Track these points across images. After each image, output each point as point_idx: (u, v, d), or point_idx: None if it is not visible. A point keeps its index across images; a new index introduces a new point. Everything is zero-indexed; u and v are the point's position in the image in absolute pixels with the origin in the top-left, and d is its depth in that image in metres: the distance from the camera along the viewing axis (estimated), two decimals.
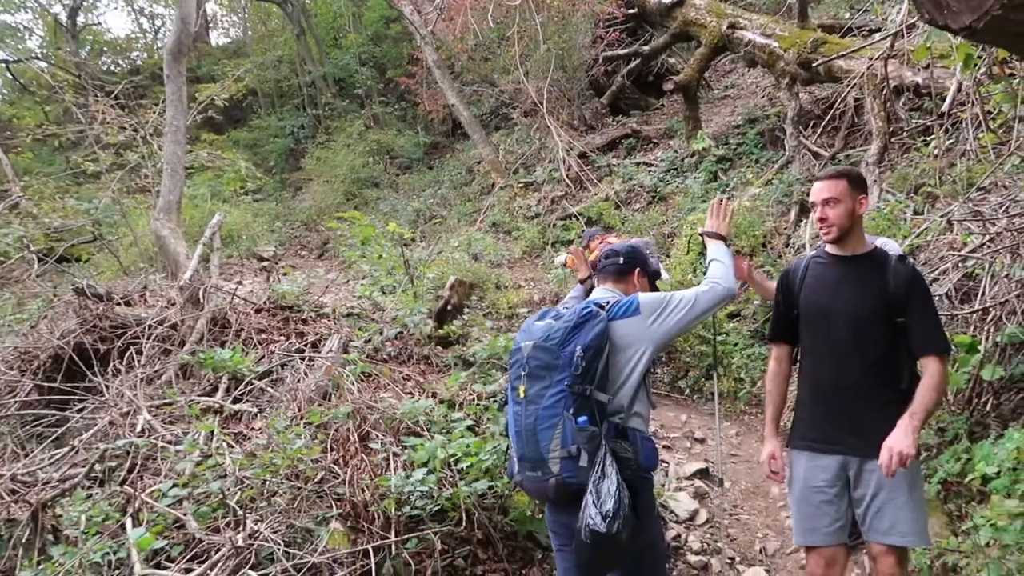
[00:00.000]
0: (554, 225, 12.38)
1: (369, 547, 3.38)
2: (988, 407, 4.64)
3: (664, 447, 5.79)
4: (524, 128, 15.39)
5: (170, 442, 4.39)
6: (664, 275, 3.01)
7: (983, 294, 5.05)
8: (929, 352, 2.72)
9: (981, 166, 5.76)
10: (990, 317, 4.90)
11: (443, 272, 9.38)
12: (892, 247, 4.10)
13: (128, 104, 13.44)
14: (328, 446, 4.16)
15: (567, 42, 14.00)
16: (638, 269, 3.04)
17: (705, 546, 4.51)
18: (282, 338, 6.08)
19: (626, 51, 14.39)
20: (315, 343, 5.96)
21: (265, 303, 6.60)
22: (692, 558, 4.27)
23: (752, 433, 6.20)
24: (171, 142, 8.40)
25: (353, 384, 4.99)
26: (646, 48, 14.07)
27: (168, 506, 3.62)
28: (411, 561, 3.51)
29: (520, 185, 14.12)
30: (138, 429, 4.55)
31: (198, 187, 15.98)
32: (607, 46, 14.24)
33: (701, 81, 12.93)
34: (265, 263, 12.23)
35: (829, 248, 2.98)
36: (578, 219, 12.00)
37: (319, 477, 3.86)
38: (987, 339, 4.77)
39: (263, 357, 5.69)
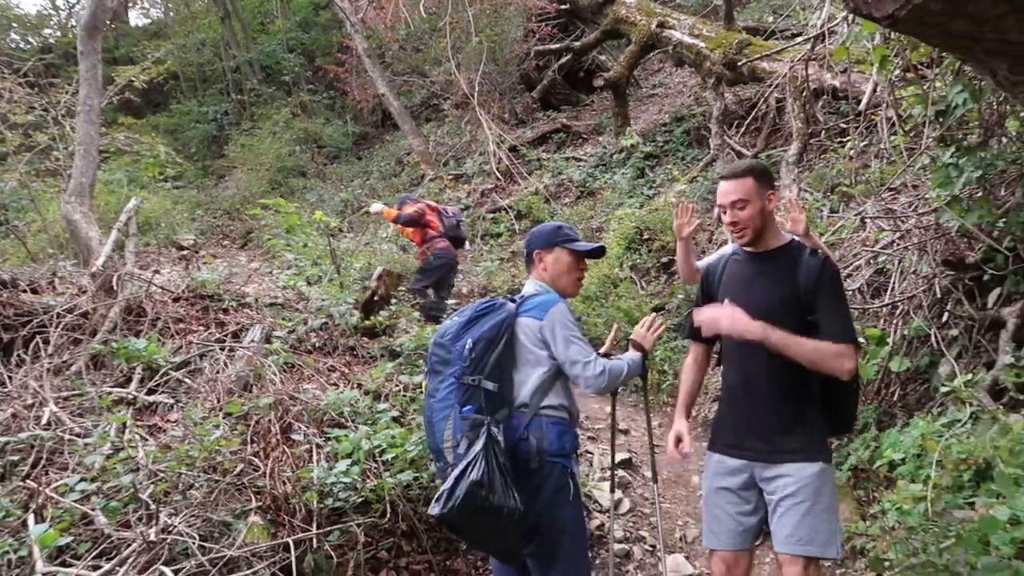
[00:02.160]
0: (484, 218, 12.37)
1: (290, 540, 3.29)
2: (895, 397, 4.85)
3: (589, 438, 5.85)
4: (455, 120, 15.32)
5: (79, 435, 4.18)
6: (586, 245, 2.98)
7: (892, 289, 5.27)
8: (838, 338, 2.58)
9: (893, 167, 6.01)
10: (898, 311, 5.13)
11: (370, 263, 9.26)
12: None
13: (38, 83, 12.74)
14: (248, 438, 4.04)
15: (499, 35, 13.99)
16: (536, 251, 3.01)
17: (628, 535, 4.58)
18: (201, 328, 5.87)
19: (558, 46, 14.49)
20: (236, 333, 5.78)
21: (184, 292, 6.36)
22: (616, 546, 4.32)
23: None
24: (84, 122, 8.00)
25: (275, 375, 4.86)
26: (577, 44, 14.18)
27: (75, 501, 3.45)
28: (333, 554, 3.44)
29: (450, 177, 14.06)
30: (43, 421, 4.32)
31: (114, 172, 15.34)
32: (539, 40, 14.30)
33: (630, 78, 13.12)
34: (185, 252, 11.82)
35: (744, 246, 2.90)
36: (508, 212, 12.02)
37: (238, 470, 3.74)
38: (895, 332, 4.99)
39: (181, 347, 5.48)
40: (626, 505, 4.93)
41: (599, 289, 8.33)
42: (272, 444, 4.04)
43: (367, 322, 6.29)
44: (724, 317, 2.57)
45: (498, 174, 12.93)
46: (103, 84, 9.08)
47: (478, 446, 2.55)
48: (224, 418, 4.17)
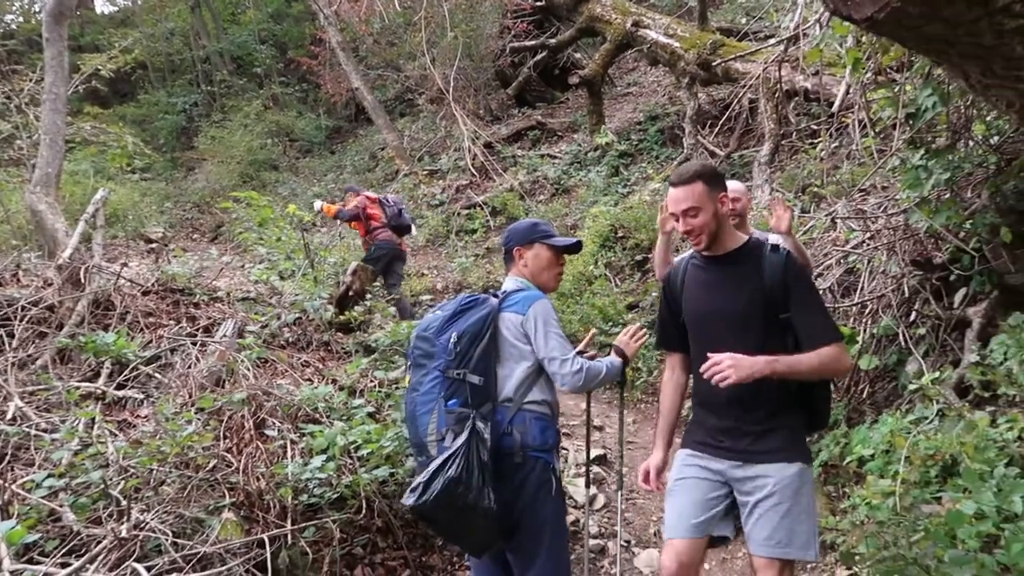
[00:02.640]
0: (459, 214, 12.34)
1: (264, 537, 3.26)
2: (865, 395, 4.94)
3: (564, 434, 5.87)
4: (430, 115, 15.26)
5: (45, 430, 4.10)
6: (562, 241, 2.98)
7: (862, 289, 5.37)
8: (826, 341, 2.50)
9: (864, 168, 6.11)
10: (868, 310, 5.22)
11: (345, 258, 9.20)
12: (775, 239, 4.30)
13: (0, 70, 12.45)
14: (221, 433, 4.00)
15: (475, 31, 13.95)
16: (515, 248, 3.00)
17: (602, 530, 4.61)
18: (172, 322, 5.79)
19: (533, 43, 14.49)
20: (208, 328, 5.71)
21: (153, 285, 6.26)
22: (590, 542, 4.34)
23: (648, 421, 6.37)
24: (50, 111, 7.82)
25: (248, 370, 4.81)
26: (553, 41, 14.20)
27: (43, 498, 3.38)
28: (308, 550, 3.42)
29: (425, 173, 14.01)
30: (8, 416, 4.23)
31: (80, 162, 15.01)
32: (514, 37, 14.30)
33: (605, 77, 13.17)
34: (154, 245, 11.64)
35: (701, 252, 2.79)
36: (483, 208, 12.01)
37: (211, 465, 3.71)
38: (865, 331, 5.07)
39: (151, 342, 5.40)
40: (600, 501, 4.96)
41: (574, 286, 8.36)
42: (245, 440, 4.00)
43: (341, 317, 6.25)
44: (728, 369, 2.39)
45: (473, 170, 12.91)
46: (69, 72, 8.89)
47: (461, 440, 2.55)
48: (196, 413, 4.12)
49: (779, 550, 2.46)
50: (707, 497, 2.64)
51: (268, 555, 3.18)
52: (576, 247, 3.09)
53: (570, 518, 4.55)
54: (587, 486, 3.74)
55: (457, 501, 2.51)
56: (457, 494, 2.50)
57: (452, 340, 2.70)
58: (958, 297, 4.58)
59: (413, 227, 8.85)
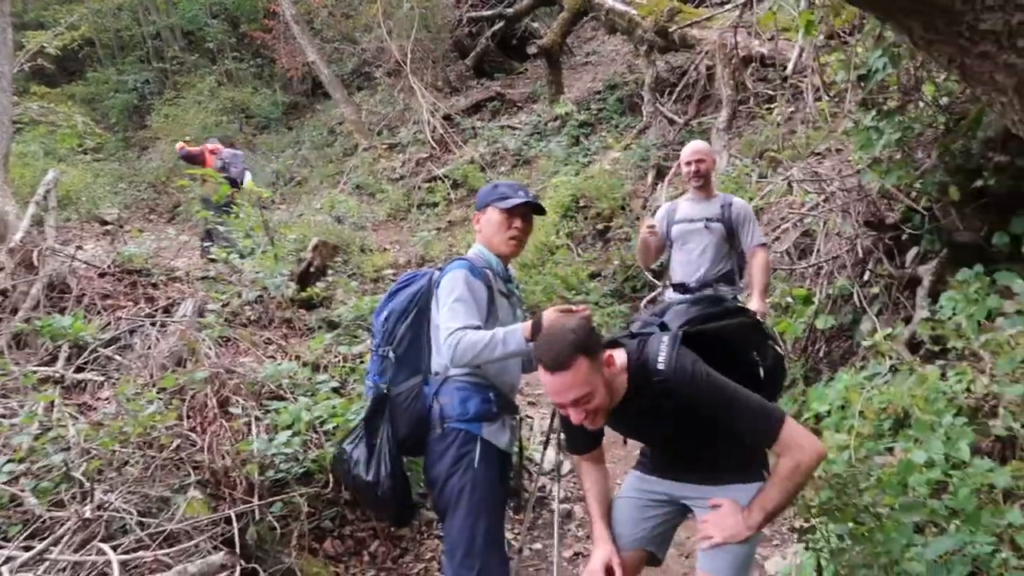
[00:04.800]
0: (419, 187, 12.27)
1: (232, 513, 3.26)
2: (821, 353, 5.07)
3: (529, 403, 5.93)
4: (387, 89, 15.09)
5: (3, 416, 4.03)
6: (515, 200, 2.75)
7: (818, 251, 5.48)
8: (770, 445, 2.14)
9: (818, 132, 6.21)
10: (824, 271, 5.34)
11: (305, 235, 9.11)
12: (738, 204, 4.36)
13: None
14: (184, 413, 3.97)
15: (431, 1, 13.77)
16: (476, 215, 2.90)
17: (569, 495, 4.69)
18: (130, 303, 5.70)
19: (490, 12, 14.36)
20: (167, 308, 5.63)
21: (110, 267, 6.15)
22: (560, 506, 4.42)
23: None
24: None
25: (210, 349, 4.77)
26: (510, 10, 14.09)
27: (3, 483, 3.34)
28: (276, 525, 3.43)
29: (384, 147, 13.87)
30: None
31: (28, 143, 14.58)
32: (471, 6, 14.15)
33: (564, 46, 13.12)
34: (108, 227, 11.39)
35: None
36: (443, 181, 11.94)
37: (175, 445, 3.68)
38: (821, 291, 5.19)
39: (109, 324, 5.31)
40: (567, 467, 5.03)
41: (536, 256, 8.39)
42: (209, 418, 3.97)
43: (303, 294, 6.21)
44: (712, 528, 2.21)
45: (433, 143, 12.83)
46: (13, 50, 8.61)
47: (361, 416, 2.68)
48: (158, 393, 4.08)
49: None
50: (650, 515, 2.44)
51: (236, 531, 3.19)
52: (530, 208, 2.83)
53: (539, 484, 4.63)
54: (543, 454, 3.78)
55: (353, 480, 2.68)
56: (351, 474, 2.67)
57: (383, 319, 2.75)
58: (909, 256, 4.70)
59: (246, 180, 9.00)
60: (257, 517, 3.41)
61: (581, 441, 2.49)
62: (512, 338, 2.51)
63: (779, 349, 2.59)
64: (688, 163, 4.37)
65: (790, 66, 7.02)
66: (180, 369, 4.61)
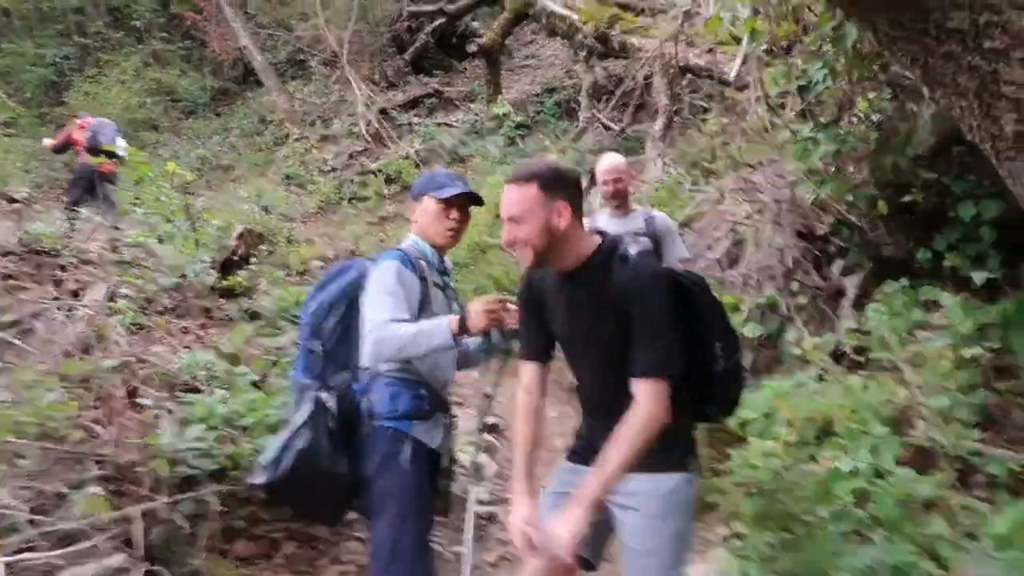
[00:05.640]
0: (352, 181, 12.05)
1: (135, 510, 3.05)
2: (748, 361, 5.12)
3: (456, 402, 5.82)
4: (322, 79, 14.79)
5: None
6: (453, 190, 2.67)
7: (747, 260, 5.55)
8: (638, 375, 2.03)
9: (752, 145, 6.30)
10: (753, 280, 5.40)
11: (229, 222, 8.77)
12: (660, 217, 4.30)
13: None
14: (90, 403, 3.72)
15: None
16: (411, 204, 2.79)
17: (493, 497, 4.60)
18: (35, 285, 5.35)
19: (431, 8, 14.22)
20: (76, 292, 5.31)
21: (16, 246, 5.77)
22: (481, 509, 4.32)
23: None
24: None
25: (121, 336, 4.50)
26: (451, 7, 13.97)
27: None
28: (185, 524, 3.23)
29: (317, 138, 13.55)
30: None
31: None
32: (412, 1, 13.97)
33: (503, 47, 13.09)
34: (17, 205, 10.75)
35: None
36: (377, 176, 11.75)
37: (77, 437, 3.43)
38: (750, 300, 5.25)
39: (9, 306, 4.97)
40: (492, 469, 4.94)
41: (468, 255, 8.29)
42: (117, 410, 3.73)
43: (225, 282, 5.94)
44: (552, 545, 2.01)
45: (367, 137, 12.61)
46: None
47: (304, 412, 2.51)
48: (60, 381, 3.81)
49: None
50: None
51: (140, 530, 2.98)
52: (467, 198, 2.72)
53: (460, 486, 4.53)
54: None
55: (313, 470, 2.47)
56: (311, 464, 2.47)
57: (311, 311, 2.66)
58: (836, 268, 4.80)
59: (118, 149, 8.60)
60: (164, 516, 3.21)
61: (526, 344, 2.37)
62: (438, 332, 2.41)
63: (742, 360, 2.43)
64: (606, 182, 4.17)
65: (732, 73, 7.13)
66: (87, 356, 4.34)
